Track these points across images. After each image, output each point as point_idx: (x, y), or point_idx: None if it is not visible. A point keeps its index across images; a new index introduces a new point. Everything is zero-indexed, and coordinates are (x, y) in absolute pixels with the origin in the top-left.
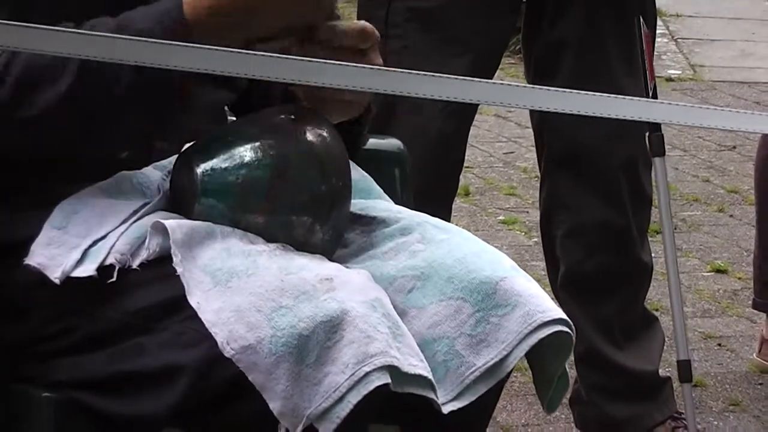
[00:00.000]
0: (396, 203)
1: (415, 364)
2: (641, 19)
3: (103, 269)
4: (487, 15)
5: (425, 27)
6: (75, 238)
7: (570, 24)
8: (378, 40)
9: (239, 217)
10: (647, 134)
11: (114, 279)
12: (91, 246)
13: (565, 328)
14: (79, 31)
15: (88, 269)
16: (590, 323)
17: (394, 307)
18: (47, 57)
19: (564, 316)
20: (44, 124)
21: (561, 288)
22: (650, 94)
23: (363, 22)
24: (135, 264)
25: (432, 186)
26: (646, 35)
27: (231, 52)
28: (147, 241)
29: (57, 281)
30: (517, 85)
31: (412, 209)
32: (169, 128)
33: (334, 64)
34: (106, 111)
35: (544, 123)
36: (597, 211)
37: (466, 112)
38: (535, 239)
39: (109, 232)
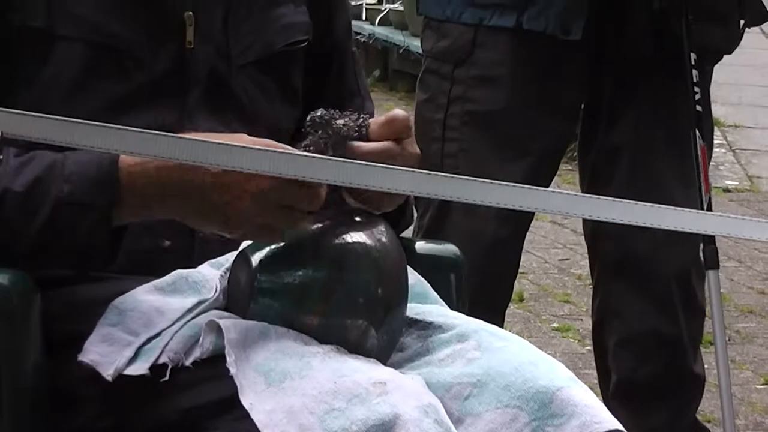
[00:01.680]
0: (451, 309)
1: None
2: (697, 133)
3: (156, 368)
4: (545, 120)
5: (483, 131)
6: (128, 336)
7: (624, 132)
8: (408, 127)
9: (294, 318)
10: (702, 246)
11: (167, 378)
12: (144, 344)
13: None
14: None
15: (141, 368)
16: None
17: (450, 414)
18: None
19: (620, 426)
20: None
21: (612, 397)
22: (705, 207)
23: (393, 114)
24: (188, 362)
25: (486, 290)
26: (702, 148)
27: (264, 151)
28: (201, 339)
29: (110, 378)
30: (574, 194)
31: (467, 315)
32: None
33: (388, 168)
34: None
35: (597, 231)
36: (649, 321)
37: (521, 218)
38: (589, 347)
39: (163, 330)
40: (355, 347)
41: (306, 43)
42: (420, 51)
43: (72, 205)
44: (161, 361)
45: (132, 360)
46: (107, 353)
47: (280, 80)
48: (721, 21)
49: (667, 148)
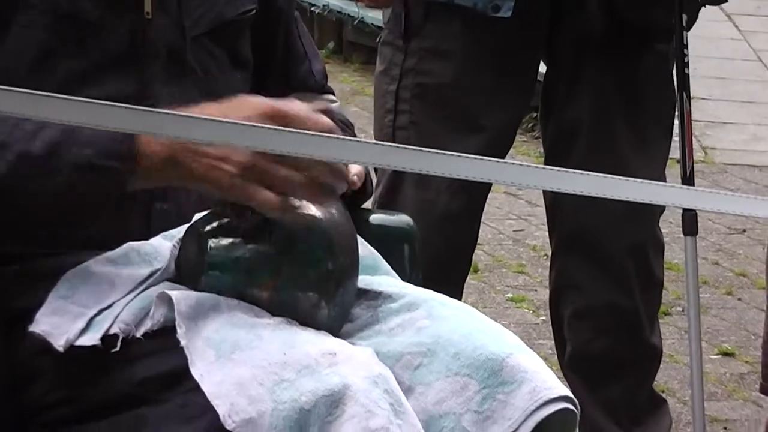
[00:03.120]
0: (404, 280)
1: None
2: (683, 96)
3: (107, 339)
4: (497, 95)
5: (433, 104)
6: (80, 308)
7: (582, 104)
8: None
9: (245, 291)
10: (681, 213)
11: (117, 349)
12: (96, 315)
13: (570, 406)
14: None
15: (92, 338)
16: (597, 404)
17: (401, 384)
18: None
19: (569, 393)
20: None
21: (567, 368)
22: (688, 173)
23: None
24: (139, 333)
25: (441, 263)
26: (688, 114)
27: (231, 123)
28: (152, 311)
29: (61, 349)
30: (527, 165)
31: (420, 286)
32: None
33: (342, 139)
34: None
35: (555, 203)
36: (605, 293)
37: (475, 191)
38: (543, 317)
39: (115, 302)
40: (306, 320)
41: (254, 12)
42: (375, 23)
43: (92, 168)
44: (112, 331)
45: (83, 331)
46: (58, 324)
47: (230, 50)
48: None
49: (624, 118)
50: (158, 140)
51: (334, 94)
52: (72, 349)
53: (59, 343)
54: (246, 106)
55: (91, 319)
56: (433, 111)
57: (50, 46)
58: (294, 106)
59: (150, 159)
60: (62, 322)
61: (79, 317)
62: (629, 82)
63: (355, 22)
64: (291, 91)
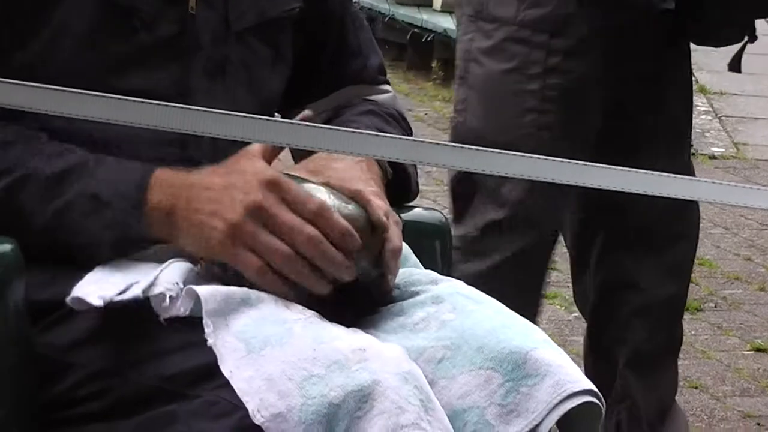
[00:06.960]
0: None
1: None
2: None
3: (153, 298)
4: (635, 84)
5: (581, 101)
6: (119, 281)
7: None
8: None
9: None
10: None
11: (167, 304)
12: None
13: (594, 399)
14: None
15: (133, 292)
16: (650, 401)
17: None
18: None
19: (593, 387)
20: None
21: (627, 366)
22: None
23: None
24: (166, 315)
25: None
26: None
27: (244, 117)
28: (179, 303)
29: (100, 303)
30: (568, 162)
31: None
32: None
33: (390, 137)
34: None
35: (600, 204)
36: (666, 287)
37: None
38: (576, 314)
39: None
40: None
41: (297, 10)
42: (405, 20)
43: (94, 197)
44: (157, 291)
45: (122, 293)
46: (96, 291)
47: (272, 47)
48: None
49: (652, 113)
50: (165, 192)
51: (390, 85)
52: (102, 344)
53: (98, 302)
54: (250, 171)
55: (130, 285)
56: (581, 109)
57: (94, 32)
58: (293, 187)
59: (154, 209)
60: (101, 288)
61: (117, 285)
62: (653, 73)
63: (386, 19)
64: (344, 84)
